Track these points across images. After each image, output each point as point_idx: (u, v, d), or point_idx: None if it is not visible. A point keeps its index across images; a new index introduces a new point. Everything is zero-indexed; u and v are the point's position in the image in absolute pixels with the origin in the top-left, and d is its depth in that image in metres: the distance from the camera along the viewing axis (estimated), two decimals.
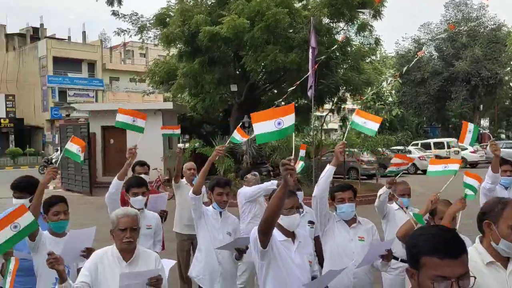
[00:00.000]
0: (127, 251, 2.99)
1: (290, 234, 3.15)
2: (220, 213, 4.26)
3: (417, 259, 1.71)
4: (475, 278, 1.76)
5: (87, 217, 9.82)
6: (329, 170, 3.59)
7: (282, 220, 3.07)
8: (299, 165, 5.45)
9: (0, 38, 44.42)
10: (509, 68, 42.19)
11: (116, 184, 4.21)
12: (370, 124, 3.89)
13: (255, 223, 3.97)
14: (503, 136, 44.89)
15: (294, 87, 13.53)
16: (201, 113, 21.11)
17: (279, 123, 2.94)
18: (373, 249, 3.36)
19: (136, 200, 4.20)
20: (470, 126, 4.35)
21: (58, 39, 45.14)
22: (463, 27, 39.28)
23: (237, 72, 19.97)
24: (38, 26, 46.37)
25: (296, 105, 20.53)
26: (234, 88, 18.99)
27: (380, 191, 4.33)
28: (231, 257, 4.11)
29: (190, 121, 22.33)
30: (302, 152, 5.96)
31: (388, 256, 3.36)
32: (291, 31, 17.40)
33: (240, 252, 3.89)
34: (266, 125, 2.94)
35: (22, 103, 41.72)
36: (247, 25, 15.93)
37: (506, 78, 42.56)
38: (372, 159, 21.03)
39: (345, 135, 4.78)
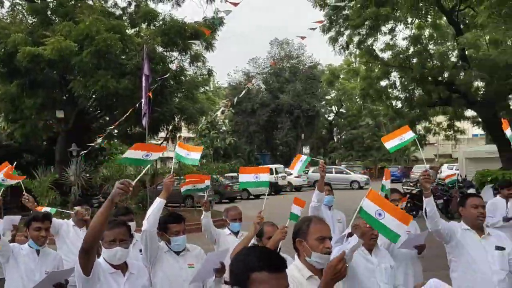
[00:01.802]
0: None
1: (121, 266, 2.97)
2: (38, 251, 3.81)
3: (246, 276, 1.73)
4: None
5: None
6: (158, 203, 3.50)
7: (104, 253, 2.94)
8: None
9: None
10: (324, 102, 48.00)
11: None
12: (192, 155, 4.18)
13: None
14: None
15: (127, 114, 13.08)
16: (20, 141, 18.93)
17: (147, 155, 3.72)
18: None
19: None
20: (303, 157, 4.87)
21: None
22: (285, 64, 43.47)
23: (64, 97, 18.51)
24: None
25: (130, 132, 19.90)
26: (60, 114, 17.52)
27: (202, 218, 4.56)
28: None
29: (6, 150, 19.79)
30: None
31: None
32: (123, 57, 16.91)
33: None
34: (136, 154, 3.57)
35: None
36: (75, 48, 14.96)
37: (322, 110, 48.22)
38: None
39: (172, 166, 4.67)
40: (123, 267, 3.01)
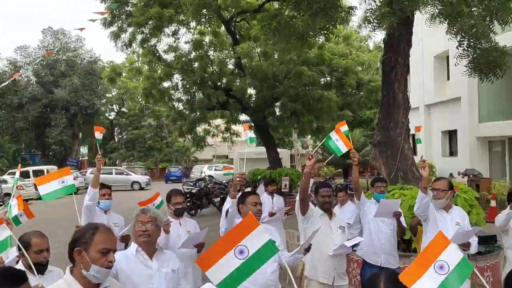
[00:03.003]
0: None
1: None
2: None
3: None
4: None
5: None
6: None
7: None
8: None
9: None
10: (104, 100, 45.74)
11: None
12: None
13: None
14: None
15: None
16: None
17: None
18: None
19: None
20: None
21: None
22: (61, 56, 39.83)
23: None
24: None
25: None
26: None
27: None
28: None
29: None
30: None
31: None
32: None
33: None
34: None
35: None
36: None
37: (103, 108, 45.91)
38: None
39: None
40: None
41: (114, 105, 50.20)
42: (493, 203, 12.34)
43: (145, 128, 46.00)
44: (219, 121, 23.91)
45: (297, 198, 4.56)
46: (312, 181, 5.24)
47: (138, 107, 35.64)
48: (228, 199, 3.73)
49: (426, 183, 4.33)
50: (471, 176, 15.90)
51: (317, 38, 10.89)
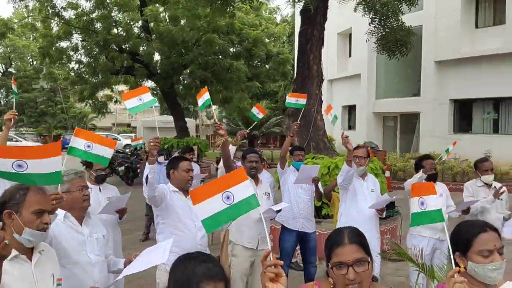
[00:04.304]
0: None
1: None
2: None
3: None
4: None
5: None
6: None
7: None
8: None
9: None
10: None
11: None
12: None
13: None
14: None
15: None
16: None
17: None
18: None
19: None
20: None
21: None
22: None
23: None
24: None
25: None
26: None
27: None
28: None
29: None
30: None
31: None
32: None
33: None
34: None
35: None
36: None
37: None
38: None
39: None
40: None
41: (0, 65, 45.42)
42: (387, 173, 13.41)
43: (36, 91, 42.35)
44: (122, 87, 22.79)
45: (220, 165, 4.54)
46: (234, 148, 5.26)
47: (32, 68, 32.51)
48: (147, 165, 3.59)
49: (351, 156, 4.51)
50: (369, 148, 17.06)
51: (242, 3, 10.68)
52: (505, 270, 1.99)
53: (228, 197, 1.83)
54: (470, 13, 17.20)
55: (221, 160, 4.82)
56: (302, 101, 5.92)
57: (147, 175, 3.59)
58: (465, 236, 2.06)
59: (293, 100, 5.96)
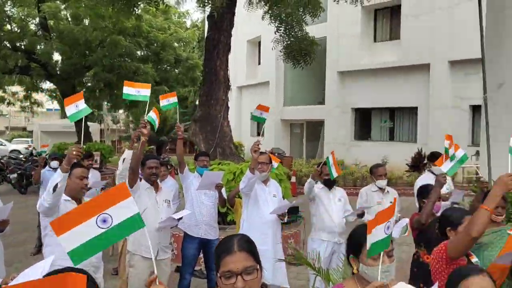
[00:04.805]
0: None
1: None
2: None
3: None
4: None
5: None
6: None
7: None
8: None
9: None
10: None
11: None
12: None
13: None
14: None
15: None
16: None
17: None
18: None
19: None
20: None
21: None
22: None
23: None
24: None
25: None
26: None
27: None
28: None
29: None
30: None
31: None
32: None
33: None
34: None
35: None
36: None
37: None
38: None
39: None
40: None
41: None
42: (293, 179, 13.77)
43: None
44: (17, 88, 21.04)
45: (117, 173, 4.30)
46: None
47: None
48: (59, 172, 3.29)
49: (255, 164, 4.50)
50: (276, 154, 17.44)
51: (146, 5, 10.34)
52: (398, 268, 2.06)
53: (104, 220, 1.53)
54: (369, 28, 18.38)
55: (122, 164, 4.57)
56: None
57: (56, 184, 3.29)
58: (357, 239, 2.13)
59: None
